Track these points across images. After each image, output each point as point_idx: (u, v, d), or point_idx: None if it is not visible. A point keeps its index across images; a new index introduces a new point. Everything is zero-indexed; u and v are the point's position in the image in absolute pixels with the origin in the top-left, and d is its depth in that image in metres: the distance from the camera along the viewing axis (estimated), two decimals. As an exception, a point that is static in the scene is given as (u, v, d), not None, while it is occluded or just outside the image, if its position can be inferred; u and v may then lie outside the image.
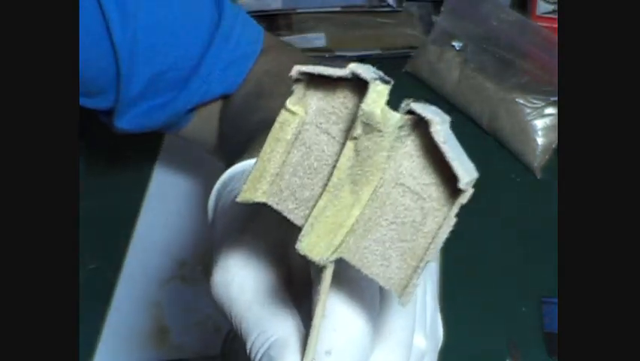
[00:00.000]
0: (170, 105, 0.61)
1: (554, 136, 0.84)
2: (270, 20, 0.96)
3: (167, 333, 0.72)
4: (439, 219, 0.28)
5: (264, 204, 0.30)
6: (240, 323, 0.33)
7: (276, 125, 0.29)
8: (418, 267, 0.28)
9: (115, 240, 0.78)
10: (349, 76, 0.27)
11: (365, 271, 0.28)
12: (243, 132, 0.54)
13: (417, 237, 0.28)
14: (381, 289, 0.32)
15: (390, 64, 0.94)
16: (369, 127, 0.27)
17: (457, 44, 0.92)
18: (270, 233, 0.34)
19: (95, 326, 0.72)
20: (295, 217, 0.29)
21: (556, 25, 0.92)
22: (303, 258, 0.28)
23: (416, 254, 0.28)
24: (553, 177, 0.84)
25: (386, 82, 0.27)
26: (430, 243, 0.28)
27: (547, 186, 0.84)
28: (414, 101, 0.27)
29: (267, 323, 0.32)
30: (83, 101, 0.61)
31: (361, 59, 0.94)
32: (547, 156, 0.85)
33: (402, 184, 0.28)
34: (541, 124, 0.85)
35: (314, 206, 0.28)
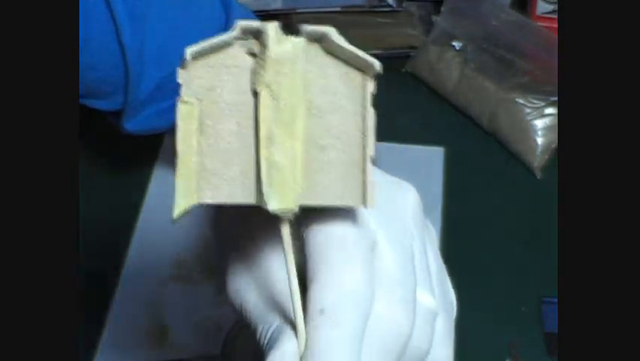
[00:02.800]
0: None
1: (554, 136, 0.84)
2: (269, 20, 0.96)
3: (167, 333, 0.72)
4: (358, 115, 0.29)
5: (202, 205, 0.29)
6: (250, 321, 0.33)
7: (179, 123, 0.29)
8: (364, 168, 0.29)
9: (115, 240, 0.78)
10: (239, 34, 0.29)
11: (323, 203, 0.29)
12: None
13: (349, 143, 0.29)
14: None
15: (390, 64, 0.94)
16: (280, 64, 0.28)
17: (457, 44, 0.92)
18: (263, 230, 0.34)
19: (95, 326, 0.72)
20: (240, 197, 0.29)
21: (556, 25, 0.92)
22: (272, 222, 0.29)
23: (356, 157, 0.29)
24: (553, 177, 0.84)
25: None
26: (363, 139, 0.29)
27: (547, 186, 0.84)
28: (302, 27, 0.29)
29: (269, 315, 0.32)
30: (92, 103, 0.61)
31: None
32: (547, 156, 0.85)
33: (312, 104, 0.29)
34: (541, 124, 0.85)
35: (258, 171, 0.28)
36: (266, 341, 0.31)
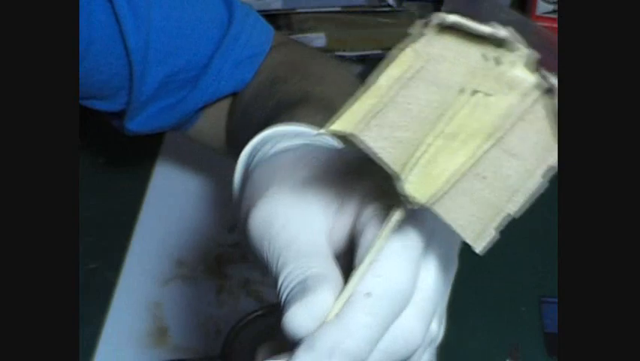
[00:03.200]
0: (180, 105, 0.62)
1: (554, 136, 0.84)
2: (270, 20, 0.96)
3: (167, 333, 0.72)
4: (527, 175, 0.30)
5: (349, 142, 0.30)
6: (276, 257, 0.33)
7: (397, 62, 0.29)
8: (497, 219, 0.31)
9: (115, 240, 0.78)
10: (489, 34, 0.29)
11: (446, 218, 0.30)
12: (258, 119, 0.54)
13: (502, 189, 0.30)
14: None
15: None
16: (500, 84, 0.29)
17: (457, 44, 0.92)
18: (327, 184, 0.34)
19: (95, 326, 0.72)
20: (388, 156, 0.29)
21: (556, 25, 0.92)
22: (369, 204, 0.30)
23: (499, 205, 0.30)
24: (553, 177, 0.84)
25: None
26: (514, 195, 0.30)
27: (547, 186, 0.83)
28: (542, 66, 0.29)
29: (306, 259, 0.32)
30: (94, 104, 0.62)
31: (361, 59, 0.94)
32: (547, 156, 0.85)
33: (498, 135, 0.29)
34: (542, 124, 0.85)
35: (425, 151, 0.29)
36: (294, 283, 0.32)
